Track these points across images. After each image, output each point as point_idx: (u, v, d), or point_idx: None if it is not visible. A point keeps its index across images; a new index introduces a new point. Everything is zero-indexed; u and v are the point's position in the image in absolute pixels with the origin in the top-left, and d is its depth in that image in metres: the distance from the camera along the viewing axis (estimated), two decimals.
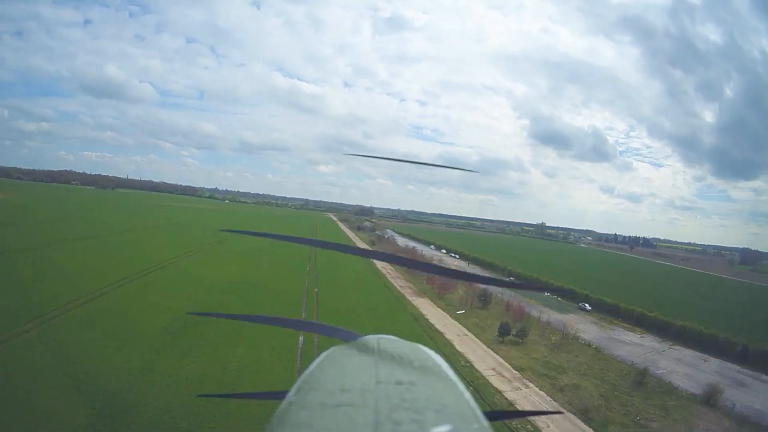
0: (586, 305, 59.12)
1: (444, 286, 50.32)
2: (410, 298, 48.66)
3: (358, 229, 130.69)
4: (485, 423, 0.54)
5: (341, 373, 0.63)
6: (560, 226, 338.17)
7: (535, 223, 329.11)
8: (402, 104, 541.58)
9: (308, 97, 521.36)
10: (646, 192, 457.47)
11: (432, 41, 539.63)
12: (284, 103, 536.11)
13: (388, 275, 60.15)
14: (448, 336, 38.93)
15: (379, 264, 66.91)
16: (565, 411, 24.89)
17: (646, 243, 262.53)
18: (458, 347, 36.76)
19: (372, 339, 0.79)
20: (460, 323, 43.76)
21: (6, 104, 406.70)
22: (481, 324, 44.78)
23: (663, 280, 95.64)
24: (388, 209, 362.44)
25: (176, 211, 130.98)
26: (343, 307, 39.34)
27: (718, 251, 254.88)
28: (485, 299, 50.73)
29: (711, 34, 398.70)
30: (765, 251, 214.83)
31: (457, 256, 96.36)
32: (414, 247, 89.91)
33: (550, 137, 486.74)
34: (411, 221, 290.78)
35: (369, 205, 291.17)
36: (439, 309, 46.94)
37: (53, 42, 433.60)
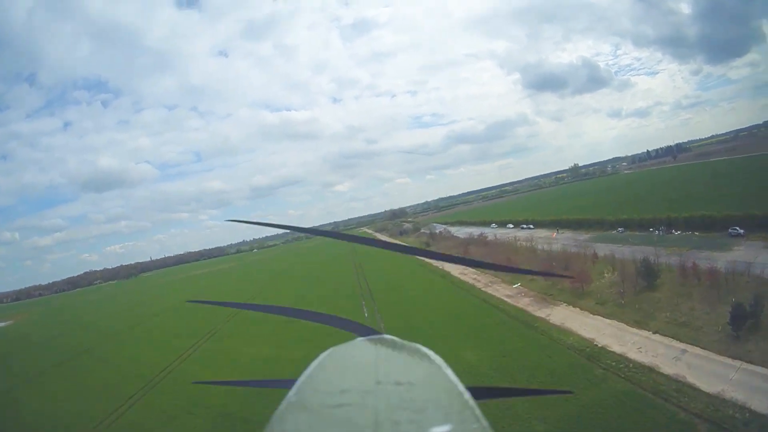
0: (738, 229, 40.96)
1: (581, 276, 31.31)
2: (543, 315, 29.88)
3: (401, 234, 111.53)
4: (485, 423, 0.53)
5: (341, 374, 0.63)
6: (586, 163, 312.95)
7: (566, 168, 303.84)
8: (393, 100, 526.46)
9: (301, 123, 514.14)
10: (652, 103, 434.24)
11: (402, 31, 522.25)
12: (280, 136, 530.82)
13: (482, 286, 41.31)
14: (669, 368, 20.21)
15: (457, 270, 48.41)
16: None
17: (680, 149, 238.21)
18: (703, 384, 18.25)
19: (372, 339, 0.78)
20: (651, 332, 24.91)
21: (14, 227, 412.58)
22: (681, 318, 25.77)
23: (741, 176, 73.38)
24: (418, 204, 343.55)
25: (193, 281, 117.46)
26: None
27: (748, 131, 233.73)
28: (650, 274, 31.40)
29: None
30: None
31: (532, 226, 76.42)
32: (483, 233, 70.66)
33: (545, 82, 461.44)
34: (445, 209, 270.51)
35: (399, 207, 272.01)
36: (598, 317, 28.07)
37: (39, 154, 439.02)
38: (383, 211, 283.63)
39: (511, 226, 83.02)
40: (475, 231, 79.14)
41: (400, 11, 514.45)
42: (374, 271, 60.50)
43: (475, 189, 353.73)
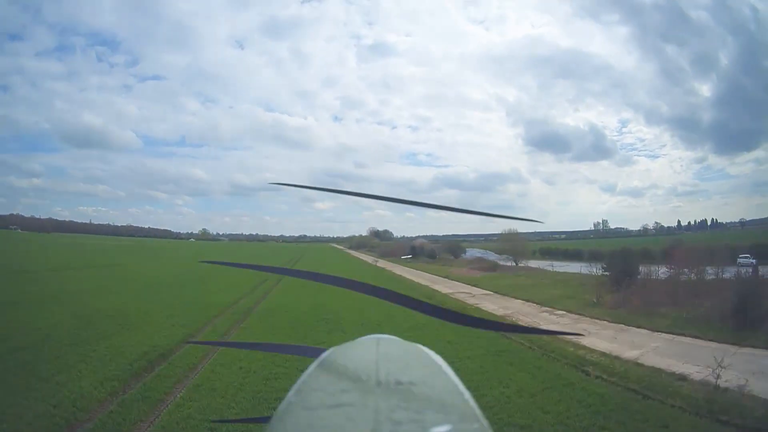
0: None
1: None
2: None
3: (419, 256, 69.94)
4: (485, 423, 0.53)
5: (341, 373, 0.62)
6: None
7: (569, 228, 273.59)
8: (394, 132, 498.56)
9: (294, 129, 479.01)
10: (648, 185, 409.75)
11: (418, 64, 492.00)
12: (269, 138, 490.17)
13: None
14: None
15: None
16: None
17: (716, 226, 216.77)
18: None
19: (372, 339, 0.77)
20: None
21: None
22: None
23: None
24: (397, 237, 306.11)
25: (72, 246, 73.40)
26: None
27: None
28: None
29: None
30: None
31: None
32: None
33: (547, 141, 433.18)
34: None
35: (383, 229, 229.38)
36: None
37: (37, 94, 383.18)
38: (359, 235, 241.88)
39: None
40: None
41: (422, 44, 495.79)
42: None
43: (458, 233, 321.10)
